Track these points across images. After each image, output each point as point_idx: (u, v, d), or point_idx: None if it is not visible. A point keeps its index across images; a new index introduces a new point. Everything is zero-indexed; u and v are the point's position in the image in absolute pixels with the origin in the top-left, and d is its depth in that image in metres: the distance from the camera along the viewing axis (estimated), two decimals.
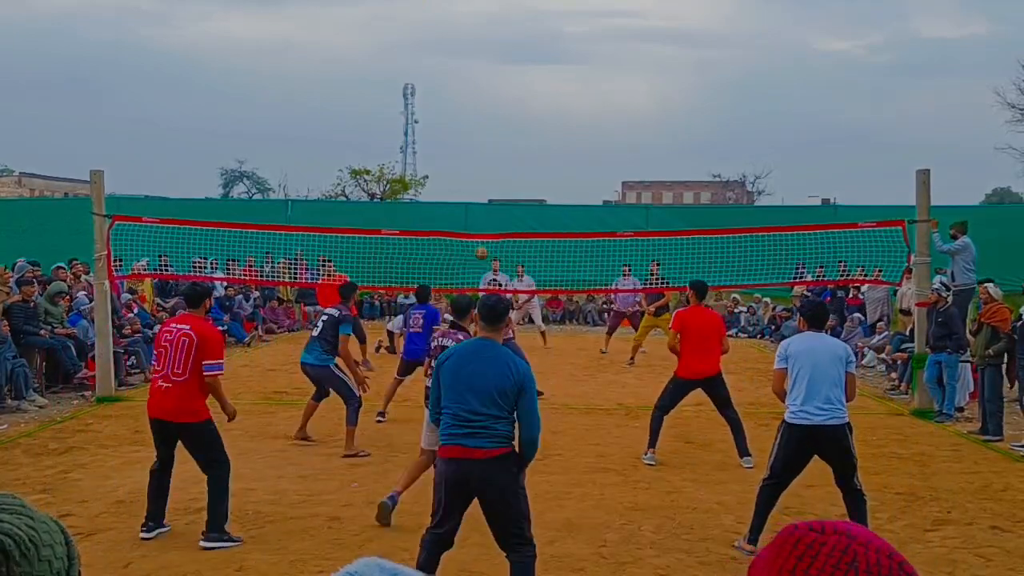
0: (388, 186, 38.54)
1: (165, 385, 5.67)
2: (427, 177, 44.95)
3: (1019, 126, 31.79)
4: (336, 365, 8.51)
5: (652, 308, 13.97)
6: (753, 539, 5.61)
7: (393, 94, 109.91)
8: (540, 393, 5.96)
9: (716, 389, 7.96)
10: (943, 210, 12.39)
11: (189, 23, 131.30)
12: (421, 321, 9.70)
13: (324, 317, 8.64)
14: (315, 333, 8.51)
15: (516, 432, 4.38)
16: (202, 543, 5.57)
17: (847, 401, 5.55)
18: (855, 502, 5.56)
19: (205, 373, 5.66)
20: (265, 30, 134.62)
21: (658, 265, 13.33)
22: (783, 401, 5.65)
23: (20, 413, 9.73)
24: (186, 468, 7.43)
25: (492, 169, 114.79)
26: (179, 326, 5.78)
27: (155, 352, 5.85)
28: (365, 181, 38.34)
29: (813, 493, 7.02)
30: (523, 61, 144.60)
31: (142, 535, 5.71)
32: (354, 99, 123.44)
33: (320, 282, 13.61)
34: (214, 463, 5.75)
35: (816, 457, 5.62)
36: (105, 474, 7.35)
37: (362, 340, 12.86)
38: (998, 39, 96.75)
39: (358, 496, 6.82)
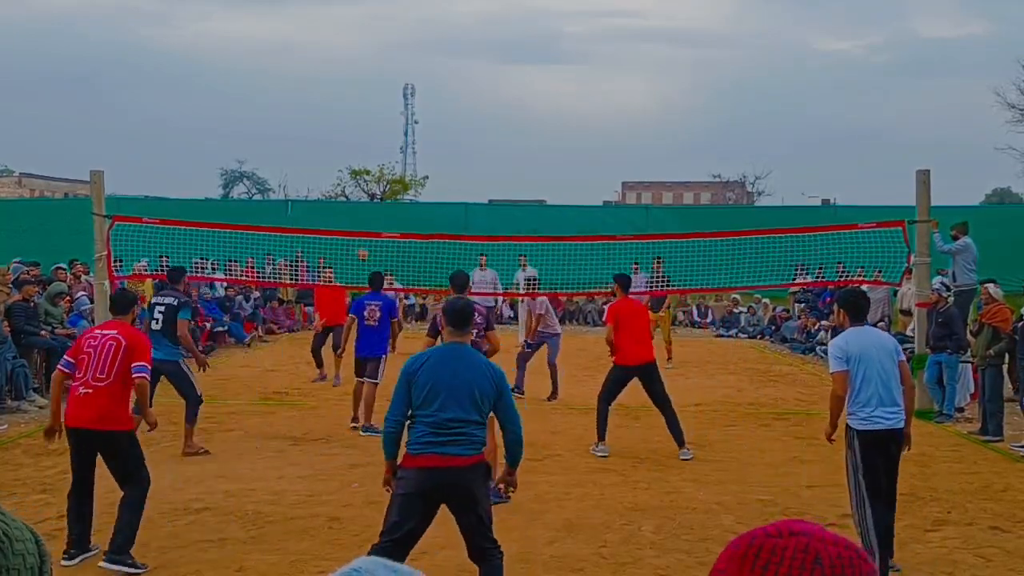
0: (388, 186, 38.56)
1: (86, 391, 5.32)
2: (427, 177, 45.01)
3: (1019, 126, 31.79)
4: (184, 361, 8.13)
5: (663, 312, 14.02)
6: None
7: (393, 94, 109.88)
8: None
9: (653, 375, 8.27)
10: (943, 210, 12.39)
11: (189, 23, 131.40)
12: (378, 314, 9.06)
13: (161, 308, 8.10)
14: (156, 327, 7.97)
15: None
16: (102, 563, 5.14)
17: (910, 388, 5.39)
18: (890, 506, 5.30)
19: (134, 375, 5.39)
20: (265, 30, 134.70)
21: (661, 261, 13.30)
22: (841, 407, 5.34)
23: (20, 413, 9.73)
24: (186, 468, 7.46)
25: (492, 169, 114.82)
26: (105, 332, 5.55)
27: (75, 359, 5.47)
28: (365, 181, 38.38)
29: (813, 493, 7.03)
30: (523, 61, 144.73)
31: (63, 562, 5.18)
32: (354, 99, 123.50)
33: (317, 286, 13.22)
34: (133, 478, 5.37)
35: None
36: (105, 474, 7.31)
37: (336, 347, 11.83)
38: (998, 39, 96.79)
39: (358, 496, 6.82)
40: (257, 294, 18.18)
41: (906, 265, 11.04)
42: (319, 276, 12.93)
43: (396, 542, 4.18)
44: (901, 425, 5.24)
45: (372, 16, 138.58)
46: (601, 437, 8.18)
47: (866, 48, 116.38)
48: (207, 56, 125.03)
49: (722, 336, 19.04)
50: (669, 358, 13.47)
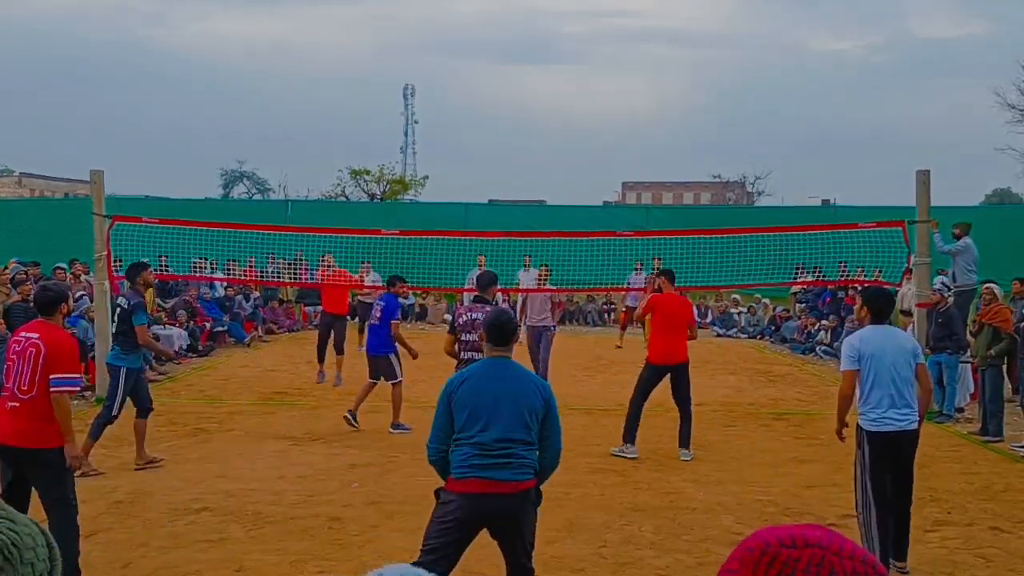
0: (388, 186, 38.55)
1: (12, 404, 4.76)
2: (427, 177, 44.96)
3: (1019, 126, 31.80)
4: (125, 371, 7.43)
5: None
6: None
7: (393, 94, 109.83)
8: None
9: (683, 376, 8.11)
10: (943, 210, 12.38)
11: (189, 23, 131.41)
12: (379, 313, 9.16)
13: (116, 310, 7.65)
14: (113, 330, 7.66)
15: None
16: None
17: (926, 391, 5.35)
18: (904, 508, 5.30)
19: (52, 388, 4.74)
20: (265, 30, 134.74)
21: (660, 261, 13.29)
22: (848, 406, 5.35)
23: None
24: (185, 468, 7.46)
25: (492, 169, 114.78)
26: (28, 335, 4.90)
27: (5, 367, 4.93)
28: (365, 181, 38.36)
29: (813, 493, 7.03)
30: (523, 61, 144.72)
31: None
32: (354, 99, 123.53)
33: (323, 282, 13.19)
34: (60, 504, 4.77)
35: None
36: (104, 474, 7.35)
37: (341, 350, 11.96)
38: (998, 39, 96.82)
39: (358, 496, 6.82)
40: (257, 294, 18.18)
41: (906, 265, 11.05)
42: (327, 271, 12.87)
43: (436, 562, 3.94)
44: (913, 427, 5.20)
45: (372, 16, 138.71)
46: (630, 439, 8.06)
47: (866, 48, 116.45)
48: (207, 56, 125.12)
49: (721, 336, 19.03)
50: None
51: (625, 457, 7.98)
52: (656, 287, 8.56)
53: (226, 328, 15.89)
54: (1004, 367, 9.66)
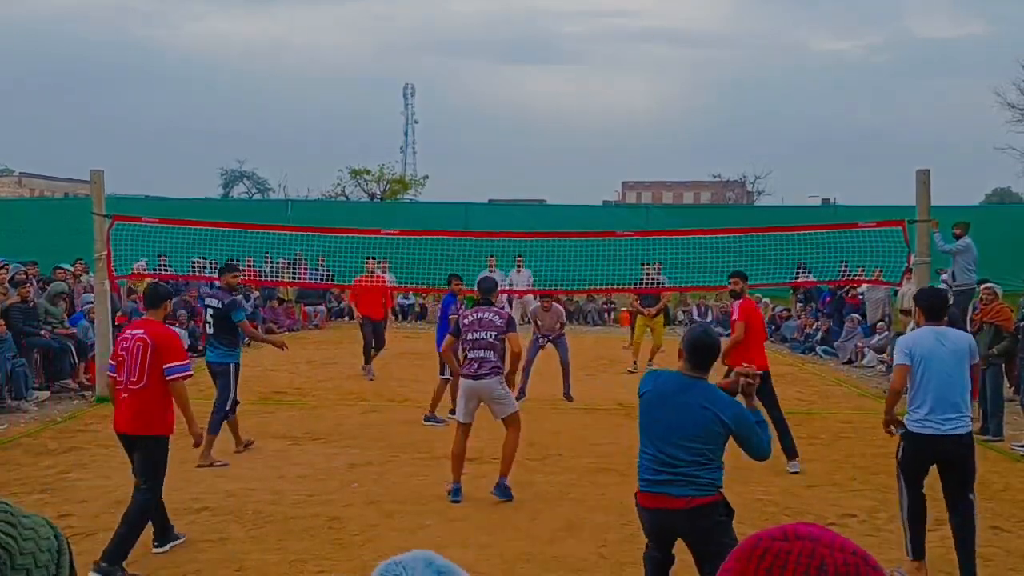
0: (388, 186, 38.55)
1: (125, 395, 5.32)
2: (427, 177, 44.94)
3: (1019, 126, 31.71)
4: (236, 367, 7.82)
5: (652, 311, 13.65)
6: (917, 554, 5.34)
7: (393, 94, 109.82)
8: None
9: (766, 384, 7.52)
10: (943, 210, 12.38)
11: (188, 22, 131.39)
12: (439, 312, 9.60)
13: (210, 311, 7.88)
14: (209, 331, 7.92)
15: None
16: (90, 572, 5.03)
17: (973, 393, 5.24)
18: (967, 513, 5.18)
19: (168, 377, 5.27)
20: (265, 30, 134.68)
21: (660, 266, 13.28)
22: (896, 400, 5.35)
23: (20, 413, 9.73)
24: (185, 468, 7.45)
25: (492, 169, 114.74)
26: (133, 332, 5.43)
27: (116, 362, 5.44)
28: (365, 181, 38.35)
29: (813, 493, 7.03)
30: (523, 61, 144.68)
31: (154, 550, 5.53)
32: (354, 99, 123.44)
33: (356, 284, 13.08)
34: (146, 487, 5.33)
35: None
36: (105, 474, 7.35)
37: (381, 346, 12.69)
38: (998, 39, 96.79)
39: (358, 496, 6.82)
40: (257, 294, 18.18)
41: (906, 265, 11.05)
42: (369, 277, 12.87)
43: (655, 560, 4.22)
44: (960, 431, 5.09)
45: (372, 16, 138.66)
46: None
47: (866, 48, 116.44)
48: (207, 56, 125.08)
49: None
50: (650, 360, 13.32)
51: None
52: (739, 289, 8.04)
53: None
54: (1004, 366, 9.66)
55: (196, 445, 5.59)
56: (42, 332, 10.88)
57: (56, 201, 35.67)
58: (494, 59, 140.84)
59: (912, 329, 7.02)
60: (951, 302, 10.36)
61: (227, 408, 7.80)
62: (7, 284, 11.33)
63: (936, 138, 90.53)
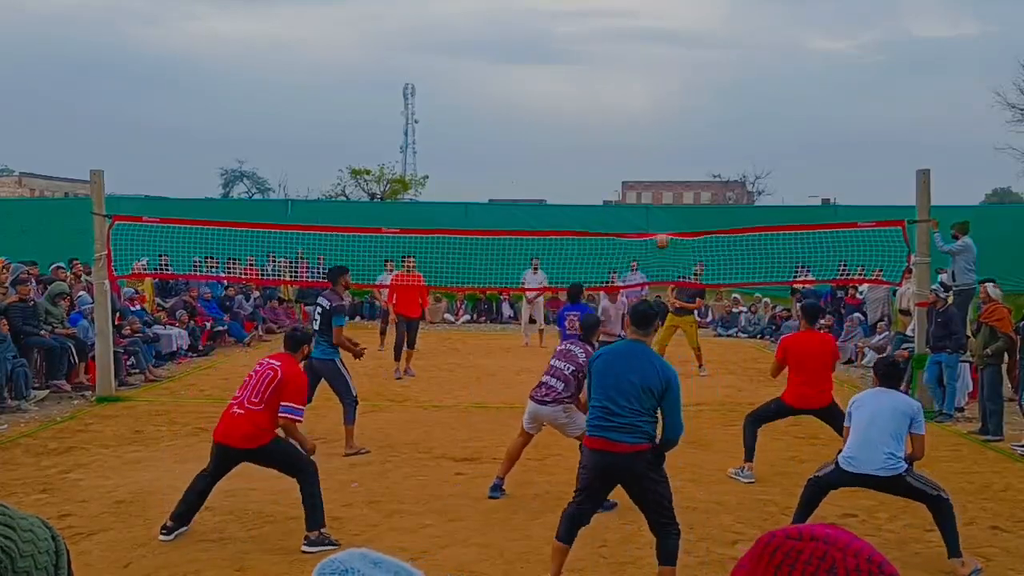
0: (388, 186, 38.56)
1: (239, 411, 5.69)
2: (427, 177, 45.02)
3: (1019, 126, 31.72)
4: (341, 361, 8.30)
5: (693, 305, 13.31)
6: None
7: (393, 94, 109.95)
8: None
9: (831, 415, 7.15)
10: (943, 210, 12.38)
11: (188, 22, 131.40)
12: (578, 324, 8.66)
13: (319, 309, 8.41)
14: (315, 327, 8.33)
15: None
16: (304, 547, 5.58)
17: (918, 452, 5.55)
18: (938, 510, 5.46)
19: (281, 413, 5.66)
20: (265, 30, 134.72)
21: (702, 264, 12.99)
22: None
23: (20, 413, 9.73)
24: (185, 468, 7.43)
25: (492, 169, 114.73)
26: (271, 361, 5.89)
27: (244, 381, 5.91)
28: (365, 181, 38.38)
29: None
30: (524, 61, 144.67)
31: (160, 537, 5.70)
32: (354, 99, 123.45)
33: (392, 282, 13.09)
34: (295, 469, 5.77)
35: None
36: (105, 474, 7.36)
37: (412, 344, 12.70)
38: (998, 39, 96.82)
39: (358, 496, 6.83)
40: (257, 293, 18.18)
41: (906, 265, 11.04)
42: (405, 274, 12.84)
43: (585, 500, 4.89)
44: (885, 474, 5.40)
45: (372, 16, 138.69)
46: (748, 458, 7.55)
47: (866, 48, 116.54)
48: (207, 55, 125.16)
49: (722, 335, 19.03)
50: (700, 365, 13.10)
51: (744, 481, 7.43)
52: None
53: (226, 328, 15.89)
54: (1004, 366, 9.66)
55: (309, 453, 5.91)
56: (42, 332, 10.88)
57: (56, 201, 35.68)
58: (494, 59, 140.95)
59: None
60: (951, 302, 10.38)
61: (354, 396, 8.27)
62: (7, 284, 11.32)
63: (936, 138, 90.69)
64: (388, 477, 7.40)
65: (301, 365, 6.13)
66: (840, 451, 5.67)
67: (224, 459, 5.76)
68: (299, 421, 5.76)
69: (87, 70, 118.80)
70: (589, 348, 6.63)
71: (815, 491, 5.75)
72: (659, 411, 4.67)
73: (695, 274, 12.65)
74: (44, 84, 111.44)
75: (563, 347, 6.79)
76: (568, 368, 6.54)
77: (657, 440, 4.69)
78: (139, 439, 8.65)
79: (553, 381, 6.58)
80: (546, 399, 6.56)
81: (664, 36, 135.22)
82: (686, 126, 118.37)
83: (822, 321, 16.28)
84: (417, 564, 1.15)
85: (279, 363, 5.80)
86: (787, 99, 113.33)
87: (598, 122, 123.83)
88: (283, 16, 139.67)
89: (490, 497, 6.71)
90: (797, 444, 8.72)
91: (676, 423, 4.66)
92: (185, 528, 5.84)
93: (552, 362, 6.71)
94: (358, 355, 8.61)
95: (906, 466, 5.42)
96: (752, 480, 7.38)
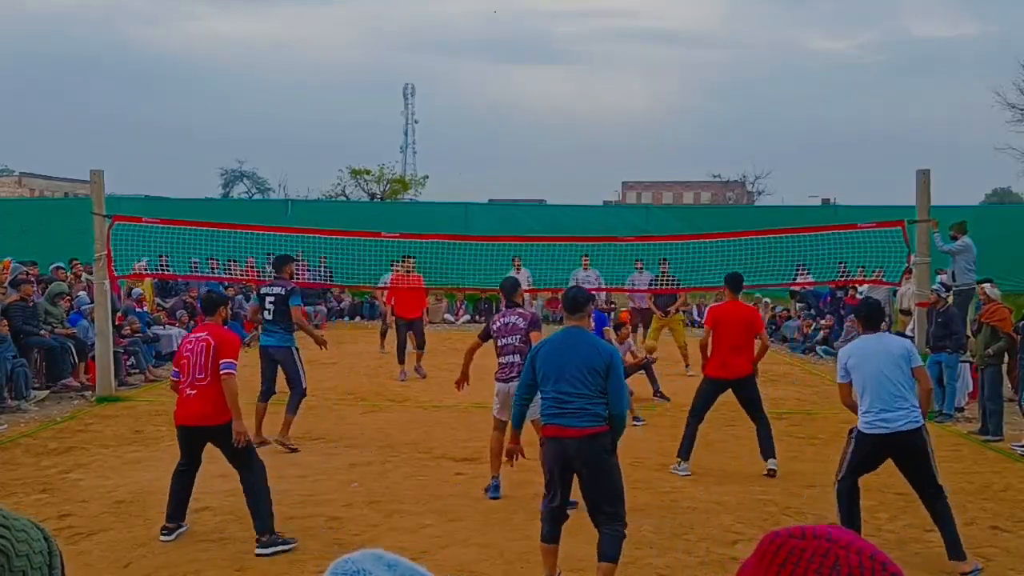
0: (388, 186, 38.56)
1: (191, 392, 5.74)
2: (427, 177, 44.99)
3: (1019, 126, 31.67)
4: (296, 350, 8.37)
5: (672, 309, 13.44)
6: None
7: (393, 94, 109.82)
8: None
9: (748, 387, 7.61)
10: (943, 210, 12.38)
11: (188, 22, 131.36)
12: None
13: (271, 298, 8.34)
14: (268, 316, 8.35)
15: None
16: (257, 551, 5.48)
17: (921, 392, 5.52)
18: (935, 506, 5.45)
19: (221, 372, 5.68)
20: (265, 30, 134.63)
21: (667, 262, 13.22)
22: (855, 410, 5.61)
23: (20, 413, 9.73)
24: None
25: (492, 169, 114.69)
26: (197, 336, 5.95)
27: (179, 367, 5.89)
28: (365, 181, 38.36)
29: (813, 493, 7.02)
30: (524, 61, 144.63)
31: (162, 538, 5.71)
32: (354, 99, 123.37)
33: (393, 282, 13.03)
34: (243, 462, 5.78)
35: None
36: (105, 474, 7.36)
37: (422, 344, 12.61)
38: (998, 39, 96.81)
39: (358, 496, 6.82)
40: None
41: (906, 265, 11.05)
42: (405, 275, 12.81)
43: (555, 496, 4.92)
44: (909, 427, 5.32)
45: (372, 15, 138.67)
46: (684, 456, 7.60)
47: (866, 48, 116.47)
48: (207, 55, 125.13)
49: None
50: (686, 364, 13.14)
51: (677, 474, 7.53)
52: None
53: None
54: (1004, 366, 9.66)
55: (236, 443, 5.69)
56: (42, 332, 10.88)
57: (56, 201, 35.67)
58: (495, 59, 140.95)
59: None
60: (951, 302, 10.38)
61: (303, 388, 8.32)
62: (6, 284, 11.33)
63: (936, 138, 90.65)
64: (388, 477, 7.40)
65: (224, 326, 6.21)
66: (854, 428, 5.51)
67: (189, 441, 5.87)
68: (234, 373, 5.72)
69: (87, 70, 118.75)
70: (521, 310, 6.91)
71: (847, 488, 5.53)
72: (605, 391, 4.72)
73: (661, 272, 13.20)
74: (44, 84, 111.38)
75: (499, 324, 6.83)
76: (516, 338, 6.68)
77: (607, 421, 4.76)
78: (139, 439, 8.65)
79: (512, 358, 6.65)
80: (511, 376, 6.58)
81: (664, 36, 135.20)
82: (686, 126, 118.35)
83: (823, 321, 16.32)
84: (417, 564, 1.15)
85: (205, 333, 5.89)
86: (787, 99, 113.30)
87: (598, 122, 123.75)
88: (283, 16, 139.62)
89: (490, 498, 6.71)
90: (797, 444, 8.72)
91: (620, 397, 4.78)
92: (185, 528, 5.85)
93: (500, 342, 6.78)
94: (320, 342, 8.73)
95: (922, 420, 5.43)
96: (688, 473, 7.48)
